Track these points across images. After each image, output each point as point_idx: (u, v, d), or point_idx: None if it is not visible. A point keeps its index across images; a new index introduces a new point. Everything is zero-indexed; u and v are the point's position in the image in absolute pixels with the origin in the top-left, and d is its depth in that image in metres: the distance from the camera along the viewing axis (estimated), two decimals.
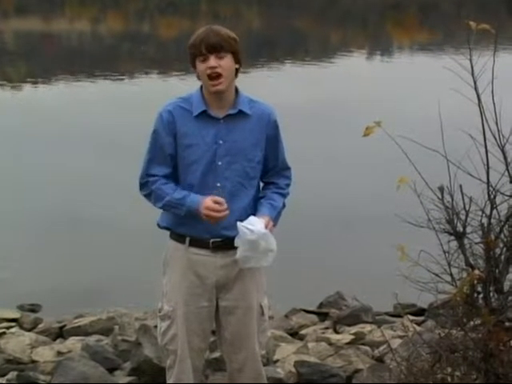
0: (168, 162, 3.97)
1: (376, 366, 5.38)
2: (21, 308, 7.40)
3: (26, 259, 8.40)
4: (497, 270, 3.82)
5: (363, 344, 6.05)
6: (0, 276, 7.84)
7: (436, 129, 4.01)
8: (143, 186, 4.03)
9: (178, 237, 4.02)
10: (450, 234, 3.88)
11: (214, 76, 3.86)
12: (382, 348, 5.78)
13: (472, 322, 3.86)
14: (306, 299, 7.44)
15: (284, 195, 4.13)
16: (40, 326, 6.85)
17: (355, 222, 9.37)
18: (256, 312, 4.07)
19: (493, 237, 3.81)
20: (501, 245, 3.83)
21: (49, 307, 7.47)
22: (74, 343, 6.10)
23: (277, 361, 5.69)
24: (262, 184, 4.13)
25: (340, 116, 14.58)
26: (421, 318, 6.65)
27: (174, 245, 4.05)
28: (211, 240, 3.96)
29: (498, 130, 3.77)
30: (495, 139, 3.78)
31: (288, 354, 5.77)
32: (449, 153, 3.89)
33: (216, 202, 3.84)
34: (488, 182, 3.82)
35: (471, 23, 3.68)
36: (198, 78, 3.95)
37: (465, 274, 3.79)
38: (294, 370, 5.45)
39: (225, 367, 4.29)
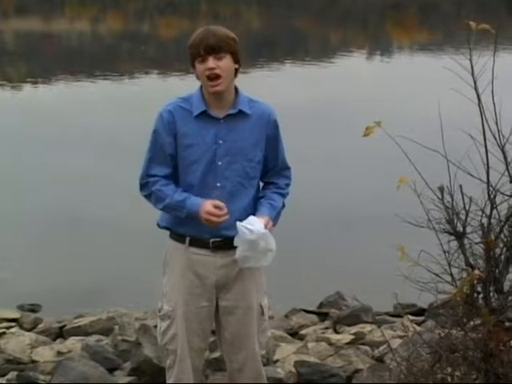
0: (168, 162, 3.97)
1: (376, 366, 5.37)
2: (21, 308, 7.40)
3: (26, 259, 8.40)
4: (497, 270, 3.82)
5: (363, 344, 6.05)
6: (0, 276, 7.84)
7: (436, 129, 4.01)
8: (143, 186, 4.03)
9: (178, 237, 4.02)
10: (450, 234, 3.88)
11: (213, 77, 3.86)
12: (382, 348, 5.78)
13: (472, 322, 3.86)
14: (306, 299, 7.44)
15: (284, 195, 4.12)
16: (40, 326, 6.84)
17: (355, 222, 9.36)
18: (256, 312, 4.07)
19: (493, 237, 3.81)
20: (501, 245, 3.83)
21: (49, 307, 7.47)
22: (73, 343, 6.09)
23: (277, 361, 5.69)
24: (261, 184, 4.13)
25: (340, 116, 14.57)
26: (421, 318, 6.65)
27: (174, 244, 4.05)
28: (211, 240, 3.95)
29: (498, 130, 3.77)
30: (495, 139, 3.78)
31: (288, 354, 5.77)
32: (449, 153, 3.88)
33: (216, 207, 3.83)
34: (488, 182, 3.82)
35: (471, 23, 3.68)
36: (198, 78, 3.95)
37: (465, 274, 3.79)
38: (294, 370, 5.45)
39: (225, 367, 4.29)
